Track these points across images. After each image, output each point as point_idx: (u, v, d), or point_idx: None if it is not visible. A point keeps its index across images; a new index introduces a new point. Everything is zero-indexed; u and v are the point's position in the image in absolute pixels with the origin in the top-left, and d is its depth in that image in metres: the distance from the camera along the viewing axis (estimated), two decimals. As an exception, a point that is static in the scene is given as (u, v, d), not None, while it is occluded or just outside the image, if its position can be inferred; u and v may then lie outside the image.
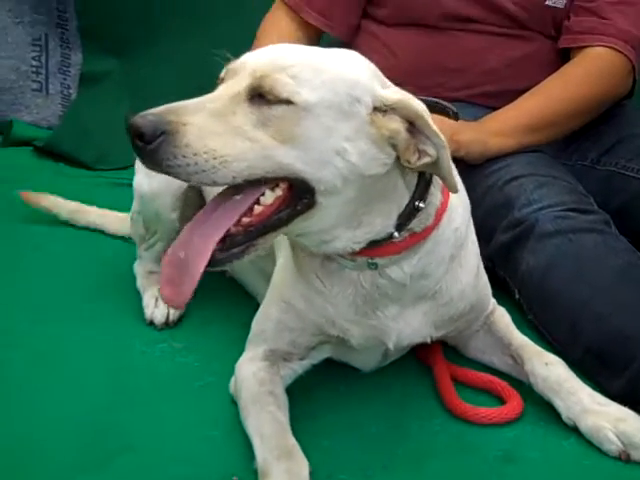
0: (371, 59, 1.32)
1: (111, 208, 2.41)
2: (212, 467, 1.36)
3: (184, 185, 1.83)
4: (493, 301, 1.66)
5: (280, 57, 1.24)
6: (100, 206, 2.43)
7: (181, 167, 1.13)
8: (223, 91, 1.22)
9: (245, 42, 3.08)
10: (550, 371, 1.49)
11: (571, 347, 1.65)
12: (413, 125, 1.24)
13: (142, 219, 1.91)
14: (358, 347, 1.47)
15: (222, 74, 1.29)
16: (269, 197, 1.22)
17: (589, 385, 1.51)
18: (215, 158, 1.13)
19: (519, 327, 1.67)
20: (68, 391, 1.57)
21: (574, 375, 1.49)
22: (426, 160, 1.26)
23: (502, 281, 1.83)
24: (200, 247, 1.21)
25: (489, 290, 1.64)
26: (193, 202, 1.89)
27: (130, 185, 1.95)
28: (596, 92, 2.08)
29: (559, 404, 1.46)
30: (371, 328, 1.43)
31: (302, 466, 1.27)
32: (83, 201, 2.47)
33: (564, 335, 1.68)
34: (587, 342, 1.61)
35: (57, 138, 3.06)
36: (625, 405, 1.44)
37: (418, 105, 1.25)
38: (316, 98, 1.20)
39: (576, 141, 2.20)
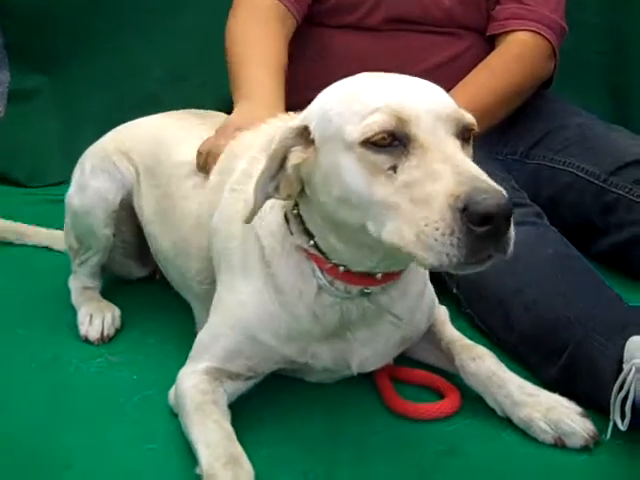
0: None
1: (46, 225, 2.39)
2: (152, 479, 1.34)
3: (116, 202, 1.82)
4: (437, 301, 1.66)
5: (443, 99, 1.20)
6: (35, 223, 2.40)
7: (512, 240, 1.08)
8: (446, 145, 1.11)
9: (177, 56, 3.11)
10: (478, 366, 1.49)
11: (506, 336, 1.68)
12: None
13: (74, 234, 1.88)
14: (322, 370, 1.47)
15: (386, 126, 1.11)
16: None
17: (524, 373, 1.54)
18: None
19: (457, 321, 1.69)
20: (3, 411, 1.53)
21: (503, 367, 1.50)
22: None
23: (440, 277, 1.84)
24: None
25: (434, 295, 1.64)
26: (125, 219, 1.88)
27: (63, 201, 1.92)
28: (521, 77, 2.14)
29: (489, 399, 1.48)
30: (339, 349, 1.43)
31: (248, 473, 1.26)
32: (17, 219, 2.43)
33: (499, 325, 1.70)
34: (521, 331, 1.63)
35: (-13, 157, 3.00)
36: (560, 391, 1.46)
37: None
38: None
39: (505, 136, 2.25)
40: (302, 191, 1.28)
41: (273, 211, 1.38)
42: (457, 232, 1.02)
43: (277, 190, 1.28)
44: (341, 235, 1.26)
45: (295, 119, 1.29)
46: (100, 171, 1.83)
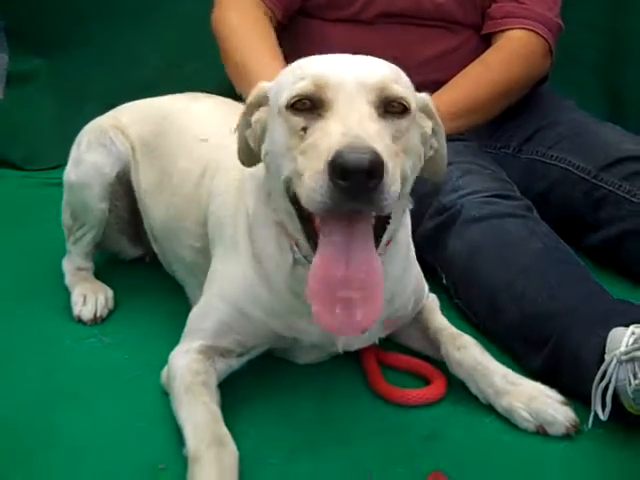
0: (310, 53, 1.34)
1: (41, 208, 2.39)
2: (139, 457, 1.35)
3: (112, 175, 1.85)
4: (426, 288, 1.69)
5: (374, 69, 1.25)
6: (31, 206, 2.41)
7: (390, 196, 1.11)
8: (353, 113, 1.16)
9: (174, 43, 3.12)
10: (463, 355, 1.52)
11: (493, 326, 1.70)
12: None
13: (70, 210, 1.91)
14: (309, 346, 1.49)
15: (305, 90, 1.21)
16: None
17: (511, 362, 1.57)
18: (396, 183, 1.14)
19: (447, 311, 1.71)
20: (-7, 386, 1.55)
21: (488, 356, 1.52)
22: (431, 153, 1.37)
23: (430, 267, 1.87)
24: (373, 264, 1.20)
25: (424, 281, 1.67)
26: (121, 194, 1.90)
27: (60, 184, 1.94)
28: (517, 74, 2.16)
29: (473, 388, 1.50)
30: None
31: (232, 453, 1.28)
32: (13, 202, 2.45)
33: (487, 315, 1.72)
34: (508, 320, 1.65)
35: (-16, 139, 3.01)
36: (544, 381, 1.48)
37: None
38: (415, 104, 1.26)
39: (499, 130, 2.28)
40: None
41: (257, 182, 1.44)
42: (325, 185, 1.09)
43: (249, 137, 1.37)
44: (277, 199, 1.33)
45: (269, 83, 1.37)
46: (96, 145, 1.86)
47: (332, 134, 1.12)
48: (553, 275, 1.65)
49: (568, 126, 2.19)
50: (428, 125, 1.34)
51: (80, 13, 3.11)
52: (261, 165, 1.40)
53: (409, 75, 1.28)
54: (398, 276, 1.50)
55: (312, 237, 1.26)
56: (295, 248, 1.37)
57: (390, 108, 1.21)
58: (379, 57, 1.35)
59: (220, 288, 1.50)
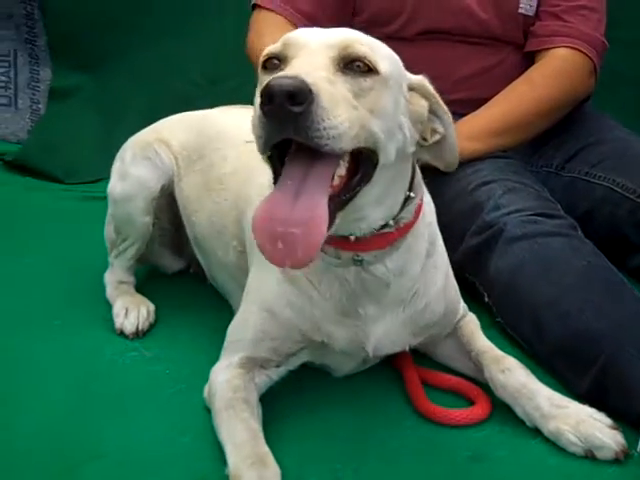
0: None
1: (80, 221, 2.41)
2: (182, 473, 1.35)
3: (157, 189, 1.86)
4: (463, 306, 1.68)
5: (342, 32, 1.27)
6: (69, 220, 2.43)
7: (325, 130, 1.09)
8: (308, 63, 1.17)
9: (214, 60, 3.14)
10: (507, 378, 1.49)
11: (538, 347, 1.68)
12: None
13: (114, 223, 1.92)
14: (340, 352, 1.47)
15: (273, 49, 1.25)
16: (342, 169, 1.20)
17: (557, 385, 1.54)
18: (342, 124, 1.12)
19: (489, 330, 1.69)
20: (38, 400, 1.55)
21: (533, 378, 1.50)
22: (436, 137, 1.37)
23: (472, 286, 1.85)
24: (317, 209, 1.15)
25: (459, 295, 1.65)
26: (164, 207, 1.92)
27: (100, 198, 1.96)
28: (561, 92, 2.14)
29: (519, 411, 1.47)
30: (353, 329, 1.44)
31: (274, 474, 1.27)
32: (53, 214, 2.48)
33: (531, 335, 1.70)
34: (553, 341, 1.63)
35: (26, 152, 3.07)
36: (591, 403, 1.46)
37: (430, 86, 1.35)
38: (390, 70, 1.26)
39: (542, 148, 2.26)
40: None
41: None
42: (257, 116, 1.12)
43: None
44: None
45: None
46: (141, 159, 1.87)
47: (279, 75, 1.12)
48: (598, 294, 1.62)
49: (612, 145, 2.16)
50: (422, 104, 1.34)
51: (121, 29, 3.16)
52: None
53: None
54: (416, 274, 1.46)
55: None
56: (321, 253, 1.36)
57: (354, 67, 1.20)
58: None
59: (254, 295, 1.51)
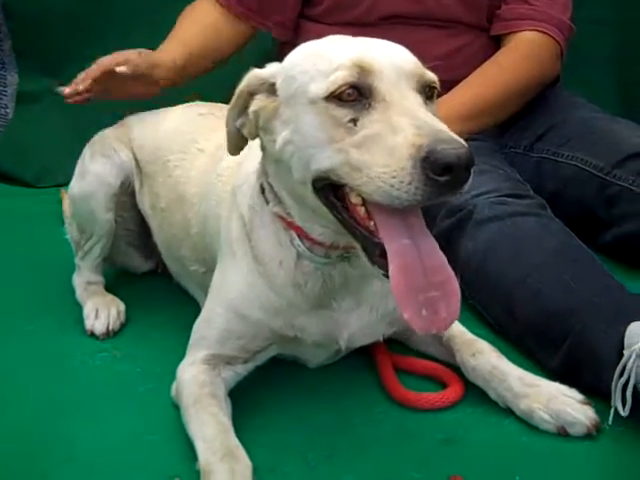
0: None
1: (54, 225, 2.39)
2: (152, 471, 1.34)
3: (116, 185, 1.85)
4: None
5: (406, 55, 1.25)
6: (45, 223, 2.43)
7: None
8: (406, 99, 1.14)
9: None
10: (478, 361, 1.50)
11: (510, 327, 1.68)
12: None
13: (77, 222, 1.91)
14: (312, 345, 1.47)
15: (350, 79, 1.15)
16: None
17: (529, 365, 1.55)
18: None
19: (463, 313, 1.67)
20: (7, 403, 1.54)
21: (504, 360, 1.50)
22: None
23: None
24: (441, 257, 1.23)
25: None
26: (127, 206, 1.91)
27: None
28: (529, 75, 2.15)
29: (491, 393, 1.48)
30: (327, 321, 1.43)
31: (245, 466, 1.26)
32: (26, 219, 2.46)
33: (502, 315, 1.70)
34: (524, 320, 1.63)
35: (-4, 158, 3.02)
36: (563, 380, 1.46)
37: None
38: None
39: (510, 129, 2.26)
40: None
41: (249, 184, 1.42)
42: (415, 181, 1.05)
43: (243, 127, 1.33)
44: (289, 189, 1.30)
45: (265, 69, 1.32)
46: (100, 156, 1.87)
47: (402, 128, 1.08)
48: (568, 271, 1.62)
49: (578, 124, 2.17)
50: None
51: (88, 32, 3.11)
52: (255, 159, 1.39)
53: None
54: None
55: (349, 227, 1.22)
56: (298, 242, 1.36)
57: (425, 93, 1.21)
58: None
59: (219, 296, 1.49)
